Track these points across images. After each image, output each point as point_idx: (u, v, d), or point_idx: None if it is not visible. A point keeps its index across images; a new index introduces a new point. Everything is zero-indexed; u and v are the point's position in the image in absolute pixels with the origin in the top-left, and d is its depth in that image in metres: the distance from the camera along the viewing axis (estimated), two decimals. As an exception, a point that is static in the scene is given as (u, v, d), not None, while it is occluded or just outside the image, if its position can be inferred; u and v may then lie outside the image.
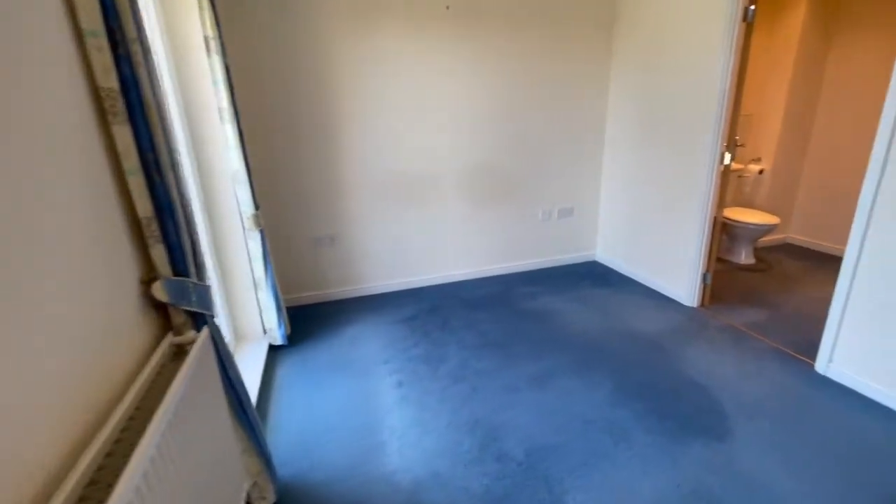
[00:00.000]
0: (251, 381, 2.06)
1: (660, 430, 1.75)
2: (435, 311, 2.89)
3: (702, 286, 2.80)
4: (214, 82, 1.95)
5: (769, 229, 3.32)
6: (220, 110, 1.99)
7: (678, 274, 2.89)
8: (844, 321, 1.99)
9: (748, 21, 2.33)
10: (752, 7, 2.30)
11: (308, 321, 2.79)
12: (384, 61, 2.74)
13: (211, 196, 2.18)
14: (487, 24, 2.89)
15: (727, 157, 2.56)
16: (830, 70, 3.49)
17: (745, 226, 3.36)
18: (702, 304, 2.83)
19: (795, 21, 3.38)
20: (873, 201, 1.82)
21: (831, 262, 3.47)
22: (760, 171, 3.72)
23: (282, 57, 2.57)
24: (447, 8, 2.79)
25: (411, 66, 2.81)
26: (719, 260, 3.64)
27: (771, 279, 3.24)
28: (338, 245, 3.00)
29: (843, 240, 3.77)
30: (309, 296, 3.04)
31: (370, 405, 1.97)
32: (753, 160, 3.80)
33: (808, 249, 3.81)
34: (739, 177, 3.76)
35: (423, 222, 3.15)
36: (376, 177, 2.94)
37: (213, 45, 1.90)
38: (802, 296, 2.93)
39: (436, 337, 2.56)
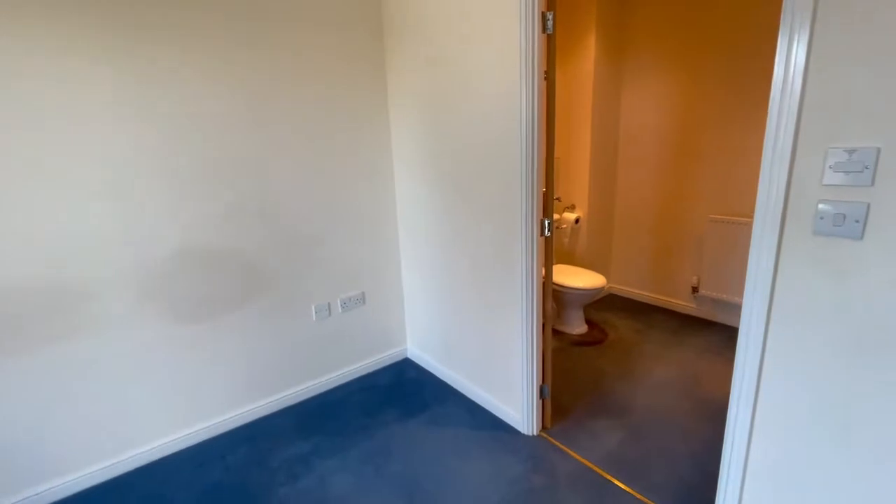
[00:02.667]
0: None
1: None
2: (76, 573, 1.41)
3: (540, 404, 1.96)
4: None
5: (598, 292, 2.78)
6: None
7: (508, 384, 2.01)
8: (746, 487, 1.27)
9: (548, 32, 1.60)
10: (550, 14, 1.58)
11: None
12: None
13: None
14: (182, 26, 1.65)
15: (547, 224, 1.80)
16: (625, 106, 3.24)
17: (574, 291, 2.76)
18: (543, 427, 2.00)
19: (588, 54, 3.02)
20: (771, 292, 1.12)
21: (657, 316, 3.13)
22: (577, 220, 3.26)
23: None
24: (58, -24, 1.46)
25: (27, 86, 1.38)
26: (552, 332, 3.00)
27: (610, 355, 2.66)
28: None
29: (659, 288, 3.29)
30: None
31: None
32: (568, 208, 3.34)
33: (629, 300, 3.48)
34: (557, 228, 3.24)
35: (75, 366, 1.65)
36: None
37: None
38: (654, 382, 2.36)
39: None
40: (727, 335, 2.82)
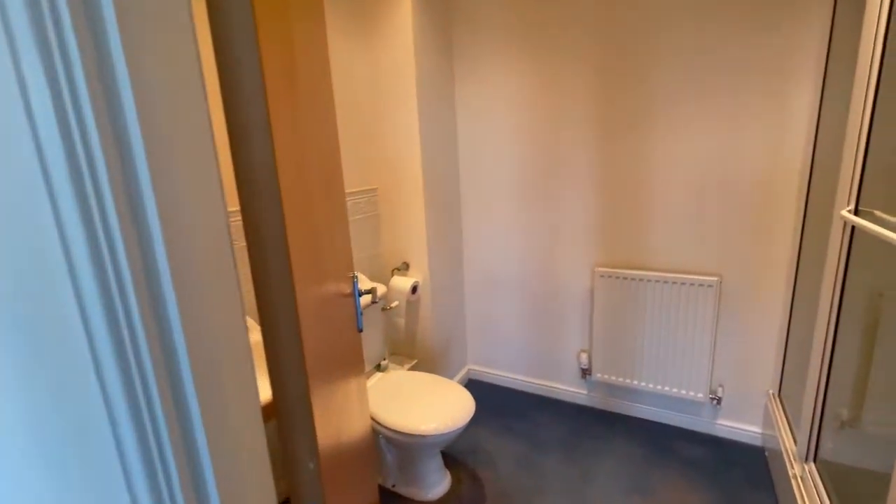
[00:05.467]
0: None
1: None
2: None
3: None
4: None
5: (464, 429, 1.58)
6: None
7: None
8: None
9: None
10: None
11: None
12: None
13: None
14: None
15: None
16: (464, 112, 2.18)
17: (427, 439, 1.51)
18: None
19: (402, 26, 1.85)
20: None
21: (542, 419, 2.09)
22: (414, 289, 2.04)
23: None
24: None
25: None
26: (390, 496, 1.69)
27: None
28: None
29: (537, 370, 2.35)
30: None
31: None
32: (399, 270, 2.10)
33: (500, 389, 2.41)
34: (384, 309, 1.96)
35: None
36: None
37: None
38: None
39: None
40: (641, 441, 1.93)
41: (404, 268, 2.11)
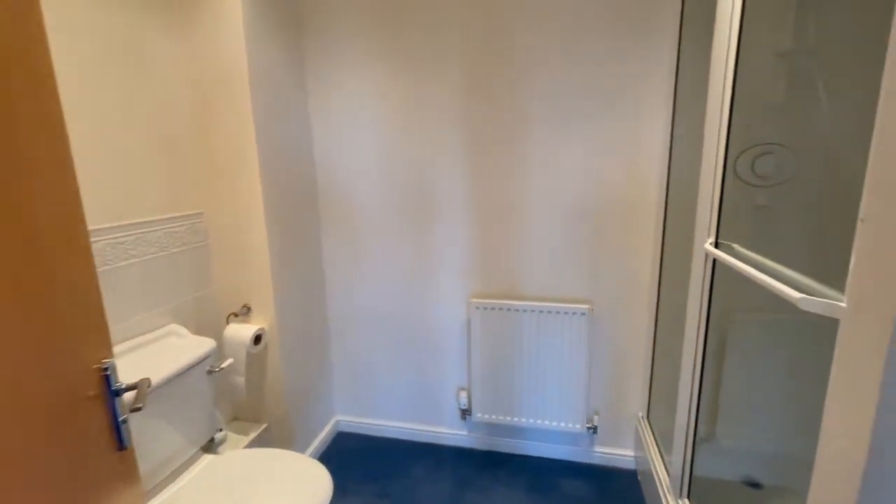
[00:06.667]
0: None
1: None
2: None
3: None
4: None
5: (318, 521, 1.24)
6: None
7: None
8: None
9: None
10: None
11: None
12: None
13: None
14: None
15: None
16: (317, 106, 1.86)
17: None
18: None
19: (232, 8, 1.47)
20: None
21: (418, 470, 1.84)
22: (257, 338, 1.63)
23: None
24: None
25: None
26: None
27: None
28: None
29: (412, 413, 2.02)
30: None
31: None
32: (236, 315, 1.67)
33: (370, 440, 2.09)
34: (210, 372, 1.50)
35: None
36: None
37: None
38: None
39: None
40: (525, 483, 1.79)
41: (244, 312, 1.68)
